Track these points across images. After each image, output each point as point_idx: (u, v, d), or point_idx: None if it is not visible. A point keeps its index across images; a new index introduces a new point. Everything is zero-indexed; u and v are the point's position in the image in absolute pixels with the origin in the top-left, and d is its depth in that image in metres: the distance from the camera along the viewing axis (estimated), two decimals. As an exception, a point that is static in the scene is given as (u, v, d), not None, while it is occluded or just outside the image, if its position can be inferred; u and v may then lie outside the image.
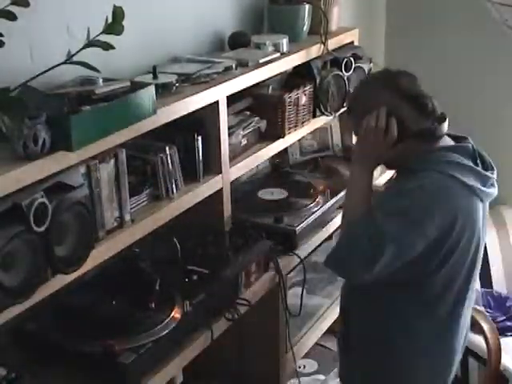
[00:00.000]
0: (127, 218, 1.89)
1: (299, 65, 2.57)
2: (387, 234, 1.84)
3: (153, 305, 1.95)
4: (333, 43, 2.73)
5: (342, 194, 2.74)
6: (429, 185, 1.90)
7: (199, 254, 2.18)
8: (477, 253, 2.01)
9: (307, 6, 2.64)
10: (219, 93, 2.12)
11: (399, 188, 1.97)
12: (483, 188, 1.97)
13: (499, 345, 2.86)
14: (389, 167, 2.15)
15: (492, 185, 2.04)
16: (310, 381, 2.91)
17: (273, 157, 2.66)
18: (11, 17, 1.55)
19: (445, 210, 1.89)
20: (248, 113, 2.45)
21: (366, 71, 2.85)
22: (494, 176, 2.06)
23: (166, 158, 2.02)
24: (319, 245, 2.58)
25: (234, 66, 2.23)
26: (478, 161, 2.03)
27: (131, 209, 1.92)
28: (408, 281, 1.95)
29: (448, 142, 2.03)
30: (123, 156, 1.85)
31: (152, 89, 1.83)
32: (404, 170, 2.01)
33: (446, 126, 2.02)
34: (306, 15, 2.65)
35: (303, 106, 2.58)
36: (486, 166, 2.05)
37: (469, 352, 3.11)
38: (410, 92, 1.99)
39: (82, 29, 1.70)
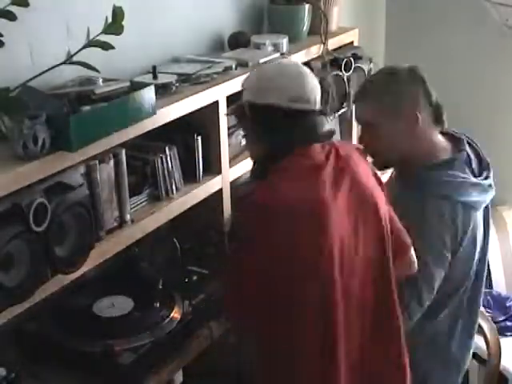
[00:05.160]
0: (127, 217, 1.89)
1: (299, 65, 2.57)
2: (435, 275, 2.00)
3: (158, 304, 1.96)
4: (333, 43, 2.73)
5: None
6: (437, 213, 1.97)
7: (199, 254, 2.18)
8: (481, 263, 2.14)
9: (307, 6, 2.64)
10: (219, 93, 2.12)
11: (414, 211, 1.97)
12: (479, 198, 2.05)
13: (499, 345, 2.86)
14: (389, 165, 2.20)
15: (489, 186, 2.09)
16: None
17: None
18: (11, 17, 1.56)
19: (451, 233, 1.99)
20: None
21: (366, 71, 2.85)
22: (490, 179, 2.10)
23: (166, 158, 2.02)
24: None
25: (233, 66, 2.23)
26: (474, 164, 2.08)
27: (131, 209, 1.92)
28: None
29: (442, 143, 2.10)
30: (123, 156, 1.85)
31: (152, 89, 1.83)
32: (405, 176, 2.08)
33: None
34: (306, 15, 2.65)
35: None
36: (483, 166, 2.11)
37: (469, 352, 3.11)
38: (433, 96, 2.07)
39: (81, 29, 1.70)
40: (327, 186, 1.68)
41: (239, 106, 1.80)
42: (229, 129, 2.23)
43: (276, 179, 1.70)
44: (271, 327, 1.69)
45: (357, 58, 2.80)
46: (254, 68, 1.90)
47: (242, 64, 2.28)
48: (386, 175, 2.74)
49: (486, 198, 2.09)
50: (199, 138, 2.12)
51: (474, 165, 2.09)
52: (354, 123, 3.06)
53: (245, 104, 1.76)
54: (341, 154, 1.76)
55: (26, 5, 1.57)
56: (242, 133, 2.33)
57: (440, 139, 2.09)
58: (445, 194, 1.98)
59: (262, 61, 2.33)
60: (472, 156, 2.11)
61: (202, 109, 2.05)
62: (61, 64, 1.69)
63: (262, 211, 1.65)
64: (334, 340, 1.67)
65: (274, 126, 1.73)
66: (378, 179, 1.86)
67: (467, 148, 2.10)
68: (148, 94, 1.82)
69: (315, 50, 2.64)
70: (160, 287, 2.01)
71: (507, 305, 3.20)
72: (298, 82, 1.74)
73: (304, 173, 1.70)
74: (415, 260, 1.90)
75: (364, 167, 1.82)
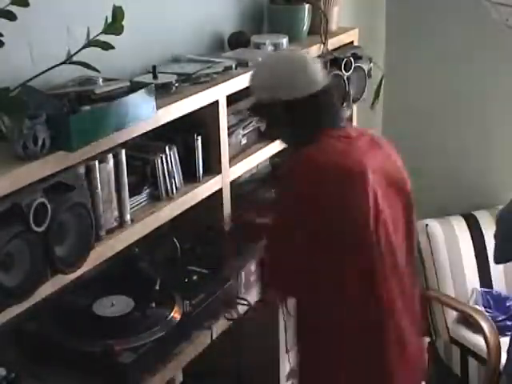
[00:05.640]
0: (127, 217, 1.89)
1: (299, 65, 2.57)
2: None
3: (158, 304, 1.96)
4: (333, 43, 2.73)
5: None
6: None
7: (199, 254, 2.18)
8: None
9: (307, 6, 2.64)
10: (219, 93, 2.12)
11: None
12: None
13: (499, 344, 2.87)
14: None
15: None
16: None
17: (272, 157, 2.66)
18: (11, 17, 1.56)
19: None
20: (248, 113, 2.44)
21: (366, 71, 2.85)
22: None
23: (166, 158, 2.02)
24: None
25: (233, 66, 2.23)
26: None
27: (131, 209, 1.92)
28: None
29: None
30: (123, 156, 1.85)
31: (152, 89, 1.83)
32: None
33: None
34: (306, 15, 2.65)
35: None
36: None
37: (469, 352, 3.11)
38: None
39: (81, 29, 1.70)
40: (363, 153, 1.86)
41: (270, 104, 1.89)
42: (229, 129, 2.23)
43: (317, 148, 1.86)
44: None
45: (357, 57, 2.80)
46: (263, 65, 2.01)
47: (242, 64, 2.28)
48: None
49: None
50: (199, 137, 2.12)
51: None
52: (355, 123, 3.06)
53: (278, 103, 1.86)
54: (372, 135, 1.96)
55: (26, 5, 1.57)
56: (241, 132, 2.34)
57: None
58: None
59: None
60: None
61: (201, 109, 2.05)
62: (61, 64, 1.69)
63: (313, 169, 1.82)
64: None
65: (309, 113, 1.87)
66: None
67: None
68: (148, 94, 1.82)
69: (315, 50, 2.64)
70: (157, 288, 2.01)
71: (507, 305, 3.21)
72: (312, 68, 1.88)
73: (341, 144, 1.86)
74: None
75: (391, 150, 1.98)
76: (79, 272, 1.71)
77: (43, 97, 1.69)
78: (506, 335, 3.06)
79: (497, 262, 2.29)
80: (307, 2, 2.65)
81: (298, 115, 1.87)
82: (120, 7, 1.67)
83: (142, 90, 1.80)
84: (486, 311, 3.14)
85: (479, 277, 3.30)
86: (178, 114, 1.97)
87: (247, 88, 2.27)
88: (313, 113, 1.87)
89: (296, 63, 1.90)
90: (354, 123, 3.06)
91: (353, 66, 2.74)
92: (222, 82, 2.14)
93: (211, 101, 2.09)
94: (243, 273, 2.18)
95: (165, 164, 2.02)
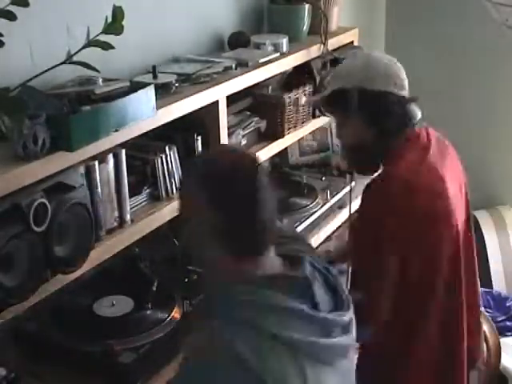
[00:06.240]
0: (127, 217, 1.90)
1: (299, 65, 2.57)
2: None
3: (158, 304, 1.96)
4: (333, 43, 2.73)
5: (342, 193, 2.74)
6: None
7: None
8: None
9: (307, 6, 2.64)
10: (219, 93, 2.12)
11: None
12: (322, 341, 1.33)
13: (499, 345, 2.86)
14: None
15: (345, 331, 1.39)
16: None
17: (272, 157, 2.66)
18: (11, 17, 1.56)
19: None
20: (248, 113, 2.45)
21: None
22: (347, 317, 1.40)
23: (166, 158, 2.02)
24: (317, 246, 2.58)
25: (233, 66, 2.23)
26: (319, 298, 1.37)
27: (131, 209, 1.92)
28: None
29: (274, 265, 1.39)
30: (123, 156, 1.85)
31: (152, 89, 1.83)
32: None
33: None
34: (306, 15, 2.65)
35: (303, 106, 2.58)
36: (339, 304, 1.42)
37: (469, 352, 3.11)
38: None
39: (81, 29, 1.70)
40: (438, 166, 1.88)
41: (340, 92, 1.88)
42: (229, 129, 2.23)
43: (401, 163, 1.85)
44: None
45: (357, 57, 2.80)
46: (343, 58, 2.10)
47: (242, 64, 2.28)
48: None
49: (331, 343, 1.35)
50: (199, 137, 2.12)
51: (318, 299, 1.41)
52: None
53: (353, 90, 1.85)
54: (438, 137, 1.98)
55: (26, 5, 1.56)
56: (241, 132, 2.34)
57: None
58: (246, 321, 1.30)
59: (261, 60, 2.33)
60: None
61: (201, 109, 2.05)
62: (61, 64, 1.69)
63: (406, 188, 1.80)
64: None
65: (388, 111, 1.87)
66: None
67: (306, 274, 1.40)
68: (148, 94, 1.82)
69: (315, 50, 2.64)
70: (154, 289, 2.01)
71: (507, 305, 3.21)
72: (400, 71, 1.93)
73: (416, 156, 1.87)
74: None
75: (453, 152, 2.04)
76: (79, 272, 1.71)
77: (43, 97, 1.69)
78: (506, 335, 3.07)
79: None
80: (307, 2, 2.65)
81: (386, 109, 1.87)
82: (120, 7, 1.67)
83: (142, 90, 1.80)
84: (486, 311, 3.14)
85: (479, 277, 3.30)
86: (178, 113, 1.97)
87: (247, 88, 2.28)
88: (399, 114, 1.88)
89: (394, 63, 1.96)
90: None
91: (353, 66, 2.74)
92: (222, 82, 2.14)
93: (211, 101, 2.09)
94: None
95: (165, 164, 2.02)
